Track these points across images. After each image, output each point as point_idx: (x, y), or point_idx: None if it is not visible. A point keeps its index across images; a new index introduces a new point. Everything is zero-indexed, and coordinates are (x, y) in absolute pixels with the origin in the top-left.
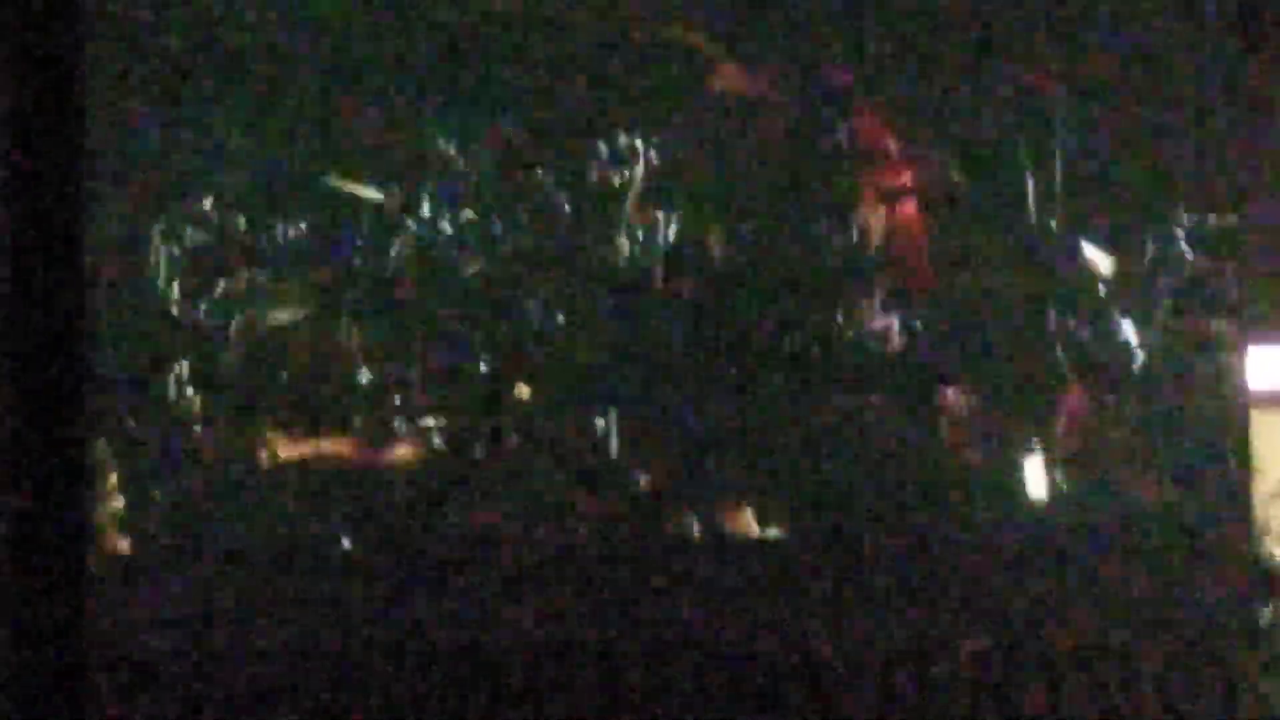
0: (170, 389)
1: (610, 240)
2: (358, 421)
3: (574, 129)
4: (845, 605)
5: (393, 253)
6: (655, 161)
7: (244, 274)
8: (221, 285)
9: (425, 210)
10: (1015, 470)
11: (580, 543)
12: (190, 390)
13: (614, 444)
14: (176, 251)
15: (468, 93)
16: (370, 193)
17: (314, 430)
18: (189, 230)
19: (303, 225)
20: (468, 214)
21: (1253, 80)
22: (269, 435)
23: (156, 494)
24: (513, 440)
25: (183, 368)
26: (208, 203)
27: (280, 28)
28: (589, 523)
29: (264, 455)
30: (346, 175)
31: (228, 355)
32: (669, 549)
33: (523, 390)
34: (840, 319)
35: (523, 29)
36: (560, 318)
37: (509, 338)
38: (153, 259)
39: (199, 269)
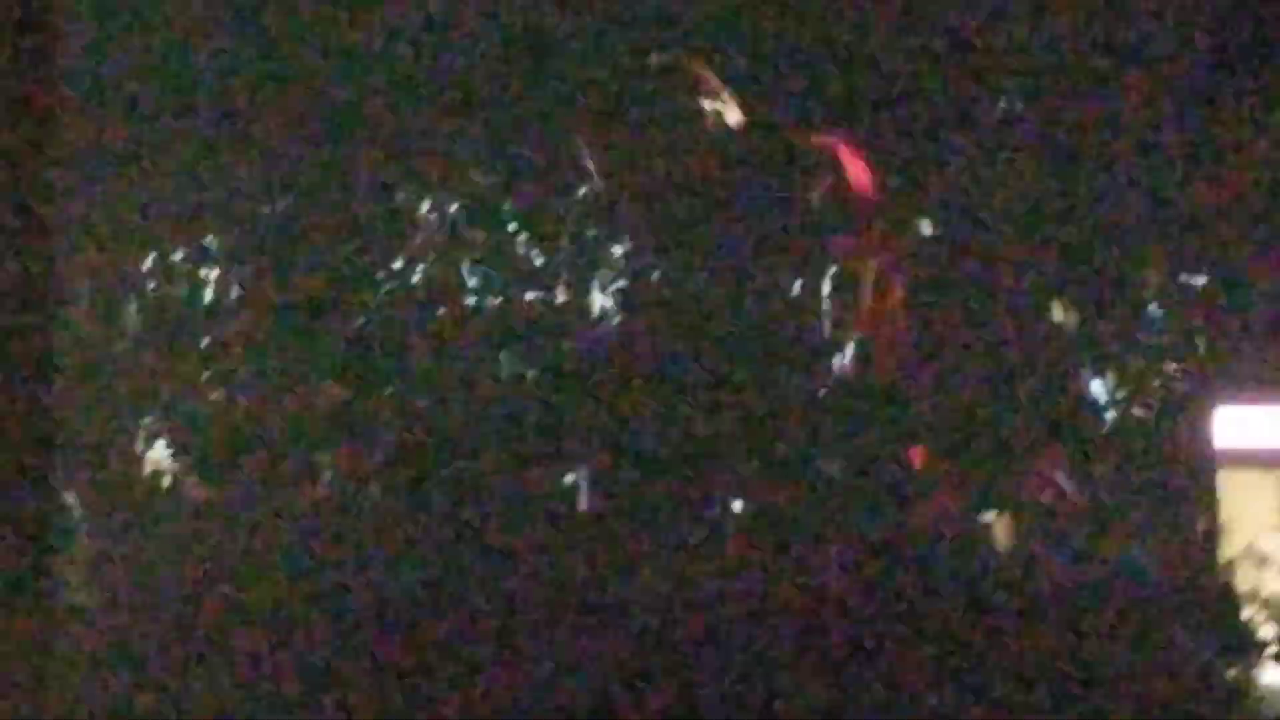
0: (139, 442)
1: (583, 291)
2: (328, 473)
3: (544, 179)
4: (811, 662)
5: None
6: (627, 212)
7: (216, 327)
8: (192, 338)
9: (397, 263)
10: (985, 530)
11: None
12: (161, 443)
13: (584, 496)
14: (146, 305)
15: (436, 144)
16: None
17: (285, 482)
18: (160, 284)
19: (275, 278)
20: (437, 266)
21: (1222, 142)
22: (241, 487)
23: (124, 547)
24: (485, 491)
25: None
26: (178, 255)
27: (251, 82)
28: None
29: (237, 507)
30: (320, 228)
31: (199, 408)
32: (638, 599)
33: (491, 440)
34: (812, 375)
35: (490, 80)
36: (531, 370)
37: (480, 389)
38: (122, 312)
39: (169, 322)
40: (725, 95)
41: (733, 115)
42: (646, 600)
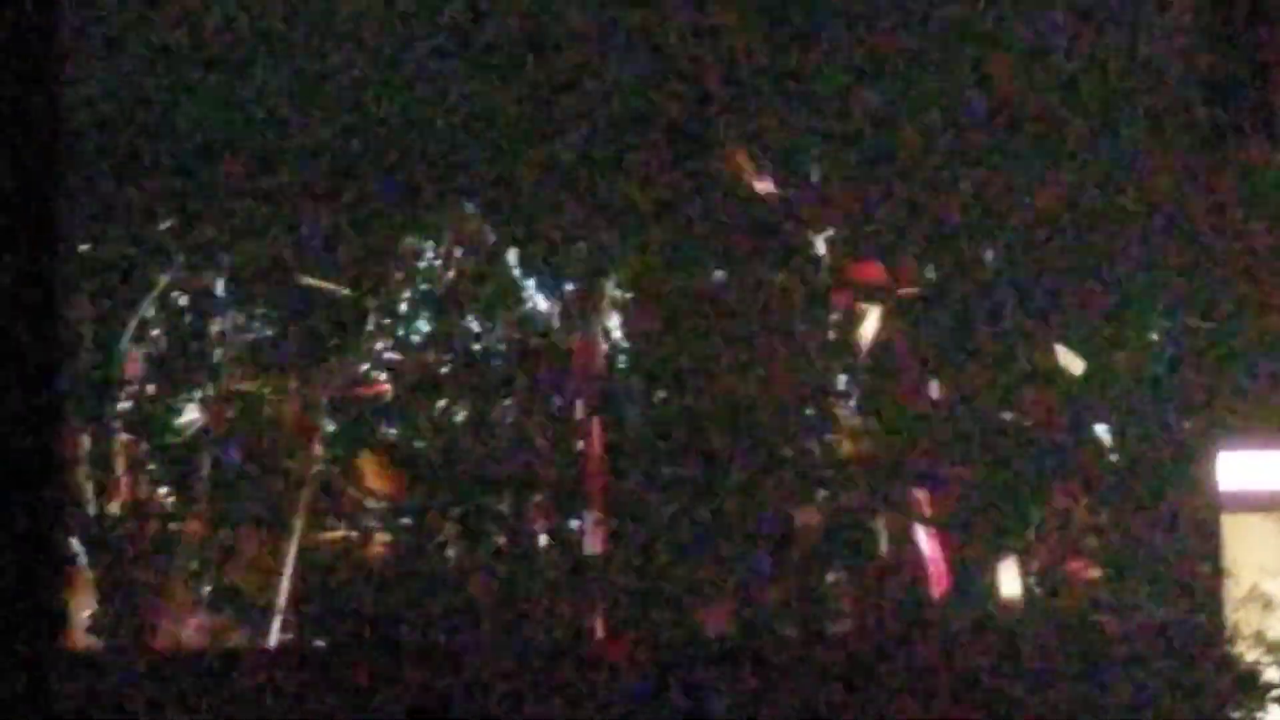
0: (142, 487)
1: (587, 340)
2: (332, 518)
3: (550, 227)
4: (818, 705)
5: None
6: (632, 261)
7: (216, 373)
8: (193, 384)
9: (402, 308)
10: (990, 572)
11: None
12: (161, 488)
13: (589, 543)
14: (149, 351)
15: (439, 189)
16: (342, 291)
17: (288, 528)
18: (160, 331)
19: (275, 324)
20: (443, 312)
21: (1225, 193)
22: (240, 531)
23: (127, 586)
24: (490, 538)
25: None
26: (182, 301)
27: (249, 126)
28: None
29: (238, 550)
30: (318, 273)
31: (199, 452)
32: (640, 644)
33: (500, 489)
34: (816, 419)
35: (491, 130)
36: (536, 418)
37: (485, 435)
38: (124, 359)
39: (170, 368)
40: (756, 167)
41: (761, 184)
42: (653, 642)
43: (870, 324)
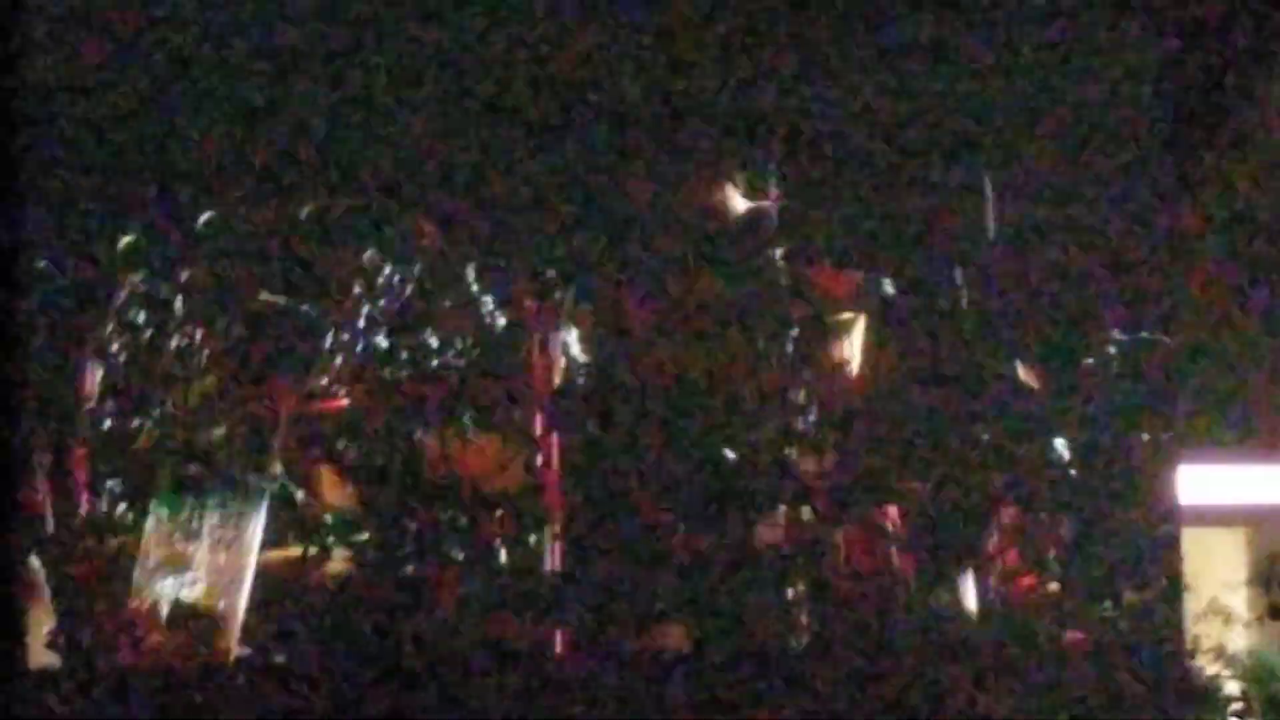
0: (102, 503)
1: (546, 356)
2: (289, 536)
3: (509, 242)
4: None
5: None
6: (590, 277)
7: (176, 389)
8: (153, 400)
9: (360, 323)
10: (949, 586)
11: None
12: (121, 505)
13: (548, 560)
14: (108, 368)
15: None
16: (302, 306)
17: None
18: (119, 346)
19: (235, 340)
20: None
21: (1181, 203)
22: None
23: (89, 608)
24: (449, 555)
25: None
26: (140, 317)
27: (209, 138)
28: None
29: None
30: (277, 289)
31: (161, 470)
32: (605, 666)
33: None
34: (775, 436)
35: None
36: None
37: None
38: (84, 376)
39: (130, 385)
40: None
41: (738, 200)
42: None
43: (856, 337)
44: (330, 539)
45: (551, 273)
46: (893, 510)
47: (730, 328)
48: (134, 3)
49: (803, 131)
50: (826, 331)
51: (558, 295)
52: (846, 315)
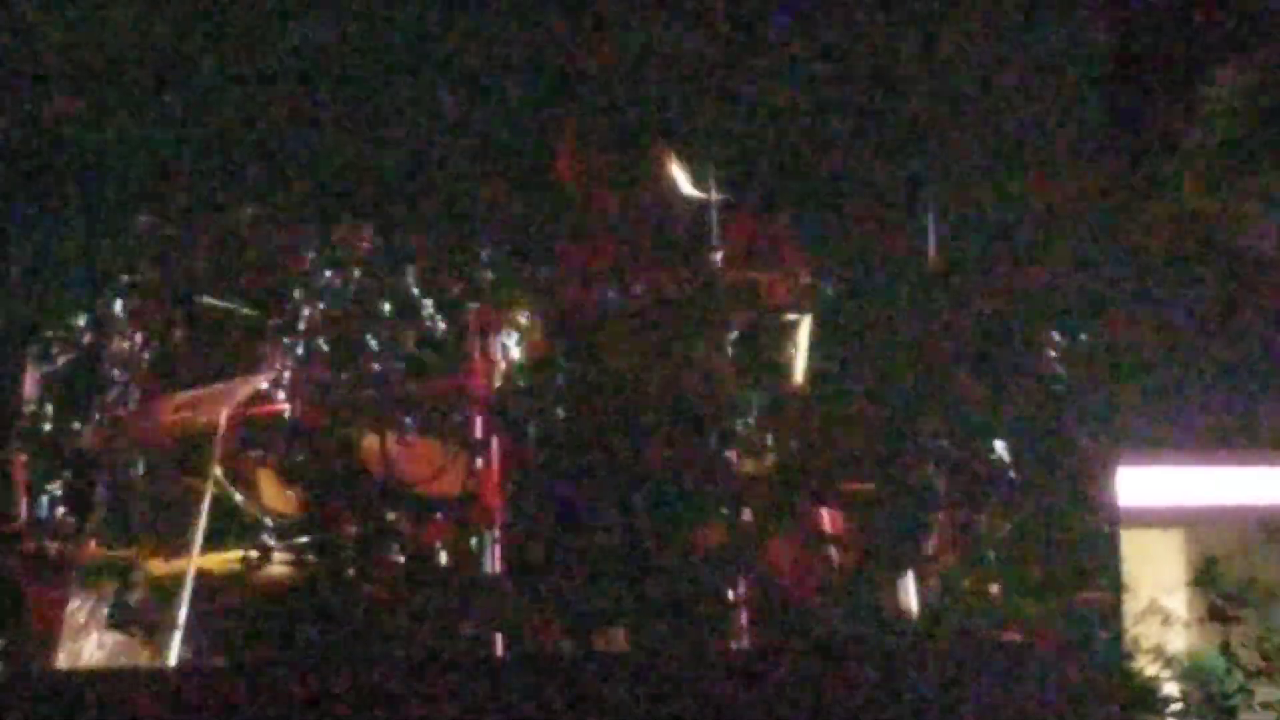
0: (43, 510)
1: (486, 359)
2: (232, 540)
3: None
4: None
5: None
6: (532, 278)
7: (119, 394)
8: (96, 406)
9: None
10: (889, 586)
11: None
12: (62, 510)
13: (488, 561)
14: (49, 373)
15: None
16: (244, 309)
17: (189, 551)
18: (58, 350)
19: (178, 344)
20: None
21: (1121, 203)
22: (145, 555)
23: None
24: (391, 558)
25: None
26: (81, 322)
27: (150, 141)
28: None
29: (140, 575)
30: (220, 292)
31: (102, 476)
32: (542, 668)
33: (400, 507)
34: (715, 437)
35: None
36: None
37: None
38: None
39: (73, 390)
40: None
41: (687, 187)
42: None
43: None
44: (271, 542)
45: (491, 274)
46: (835, 513)
47: (671, 328)
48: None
49: (744, 126)
50: (769, 333)
51: (499, 295)
52: (790, 317)
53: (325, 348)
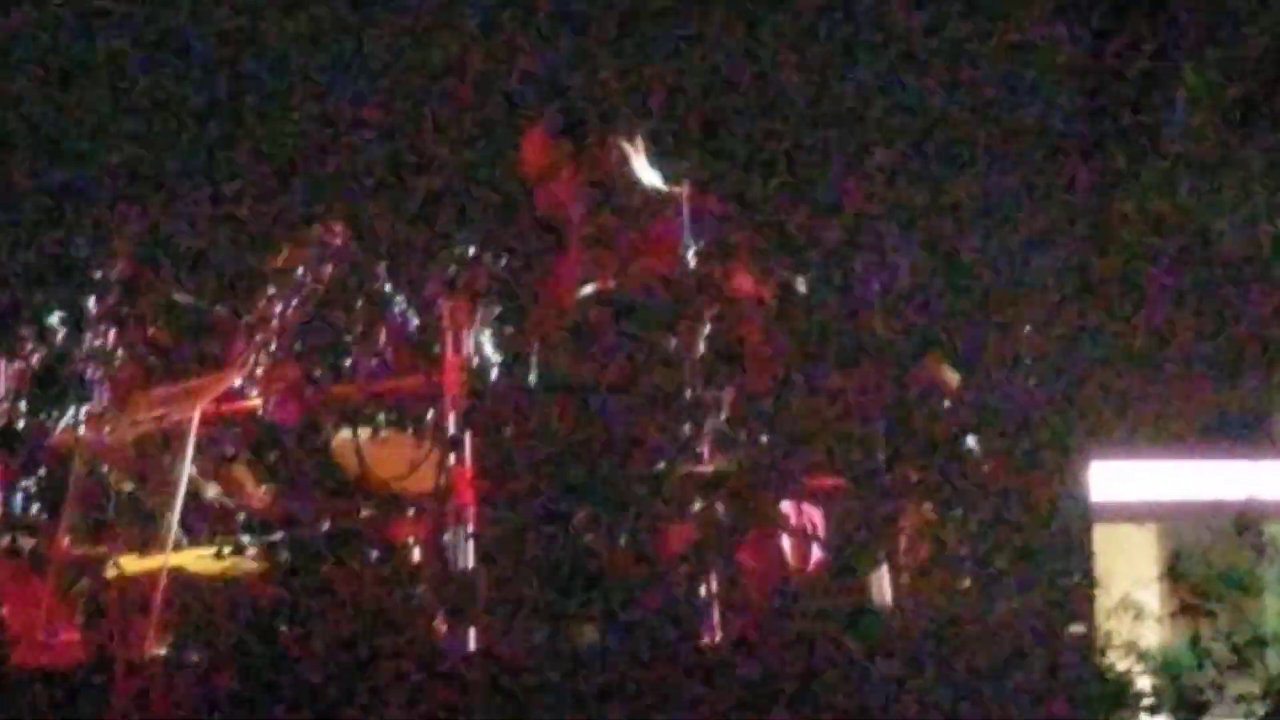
0: (16, 506)
1: (459, 356)
2: (204, 536)
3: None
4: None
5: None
6: (500, 274)
7: (92, 391)
8: (66, 401)
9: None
10: (860, 583)
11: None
12: (36, 507)
13: (461, 557)
14: (20, 367)
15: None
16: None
17: (160, 546)
18: (31, 347)
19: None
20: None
21: (1089, 202)
22: (115, 551)
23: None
24: (362, 554)
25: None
26: (54, 319)
27: (113, 138)
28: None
29: (110, 571)
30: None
31: (73, 470)
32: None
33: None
34: (685, 432)
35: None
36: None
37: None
38: None
39: (43, 385)
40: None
41: (647, 176)
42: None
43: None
44: (245, 538)
45: (463, 270)
46: (808, 509)
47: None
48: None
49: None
50: (738, 328)
51: (473, 292)
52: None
53: (298, 344)
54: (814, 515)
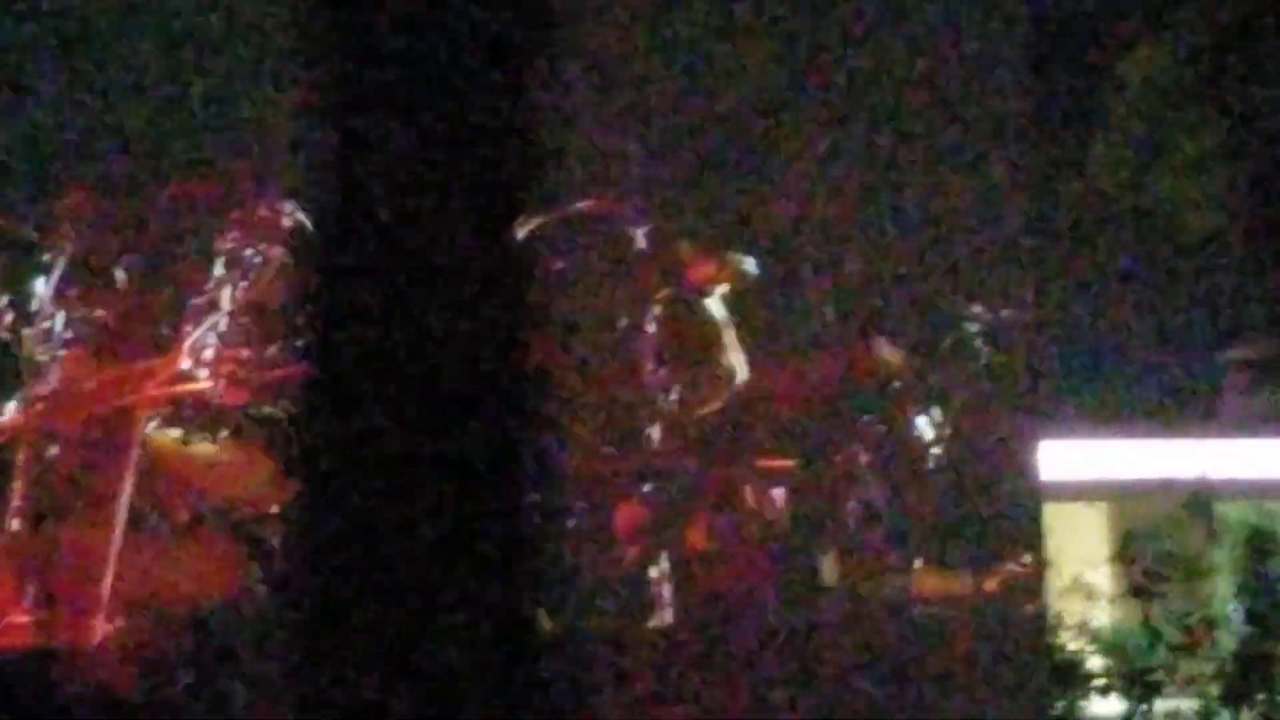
0: None
1: None
2: (156, 517)
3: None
4: (639, 698)
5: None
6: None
7: (41, 373)
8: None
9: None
10: (811, 563)
11: None
12: None
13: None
14: None
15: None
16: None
17: (113, 523)
18: None
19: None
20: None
21: (1046, 179)
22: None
23: None
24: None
25: None
26: (2, 301)
27: (67, 121)
28: None
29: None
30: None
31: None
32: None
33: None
34: (641, 414)
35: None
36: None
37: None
38: None
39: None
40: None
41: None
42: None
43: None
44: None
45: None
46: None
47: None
48: None
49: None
50: (690, 313)
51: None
52: (710, 297)
53: (248, 325)
54: (770, 499)
